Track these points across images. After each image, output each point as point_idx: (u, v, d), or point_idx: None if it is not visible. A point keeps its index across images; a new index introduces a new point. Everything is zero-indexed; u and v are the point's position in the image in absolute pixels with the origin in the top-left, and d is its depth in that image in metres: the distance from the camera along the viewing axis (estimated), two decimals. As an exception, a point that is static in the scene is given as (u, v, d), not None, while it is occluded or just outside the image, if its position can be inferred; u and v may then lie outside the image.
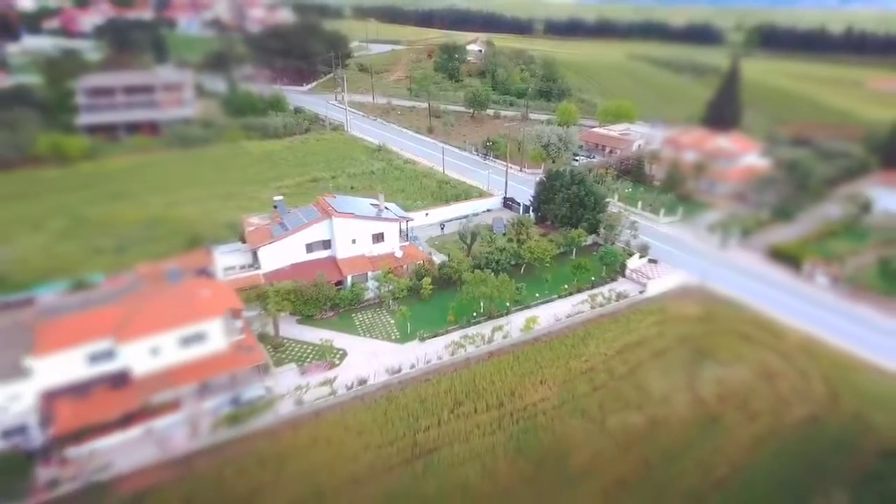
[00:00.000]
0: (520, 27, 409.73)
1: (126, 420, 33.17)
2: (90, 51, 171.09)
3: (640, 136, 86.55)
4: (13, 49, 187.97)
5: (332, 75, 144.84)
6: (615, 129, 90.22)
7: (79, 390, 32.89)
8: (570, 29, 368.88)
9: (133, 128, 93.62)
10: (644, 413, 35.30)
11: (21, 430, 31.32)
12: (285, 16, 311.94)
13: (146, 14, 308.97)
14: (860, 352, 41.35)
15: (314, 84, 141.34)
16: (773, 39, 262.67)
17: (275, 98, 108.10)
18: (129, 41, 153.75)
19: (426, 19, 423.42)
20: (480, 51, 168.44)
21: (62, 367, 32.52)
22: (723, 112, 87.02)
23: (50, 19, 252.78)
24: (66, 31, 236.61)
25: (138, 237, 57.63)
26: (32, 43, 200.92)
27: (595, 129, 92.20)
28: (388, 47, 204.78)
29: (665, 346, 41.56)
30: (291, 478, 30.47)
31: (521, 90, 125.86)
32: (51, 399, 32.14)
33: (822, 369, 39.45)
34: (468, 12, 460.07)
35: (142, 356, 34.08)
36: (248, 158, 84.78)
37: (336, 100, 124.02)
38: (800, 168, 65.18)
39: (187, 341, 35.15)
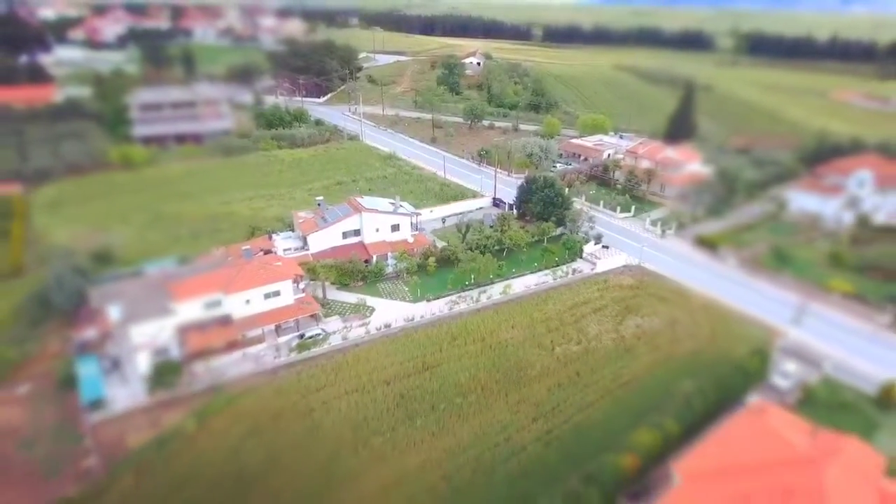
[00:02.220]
0: (519, 34, 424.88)
1: (230, 346, 49.44)
2: (122, 63, 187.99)
3: (610, 146, 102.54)
4: (47, 60, 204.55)
5: (344, 87, 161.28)
6: (590, 140, 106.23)
7: (199, 326, 49.12)
8: (568, 36, 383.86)
9: (181, 138, 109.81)
10: (581, 346, 51.44)
11: (167, 349, 47.47)
12: (297, 25, 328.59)
13: (162, 24, 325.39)
14: (745, 309, 57.41)
15: (329, 96, 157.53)
16: (761, 46, 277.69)
17: (299, 111, 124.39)
18: (162, 55, 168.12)
19: (428, 26, 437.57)
20: (479, 64, 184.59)
21: (189, 311, 48.74)
22: (679, 126, 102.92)
23: (74, 29, 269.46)
24: (91, 42, 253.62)
25: (206, 228, 73.84)
26: (66, 54, 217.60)
27: (573, 140, 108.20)
28: (393, 58, 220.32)
29: (603, 305, 57.70)
30: (342, 381, 46.58)
31: (513, 103, 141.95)
32: (183, 331, 48.37)
33: (710, 320, 55.63)
34: (469, 19, 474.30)
35: (239, 305, 50.36)
36: (280, 165, 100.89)
37: (350, 111, 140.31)
38: (729, 175, 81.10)
39: (268, 296, 51.45)
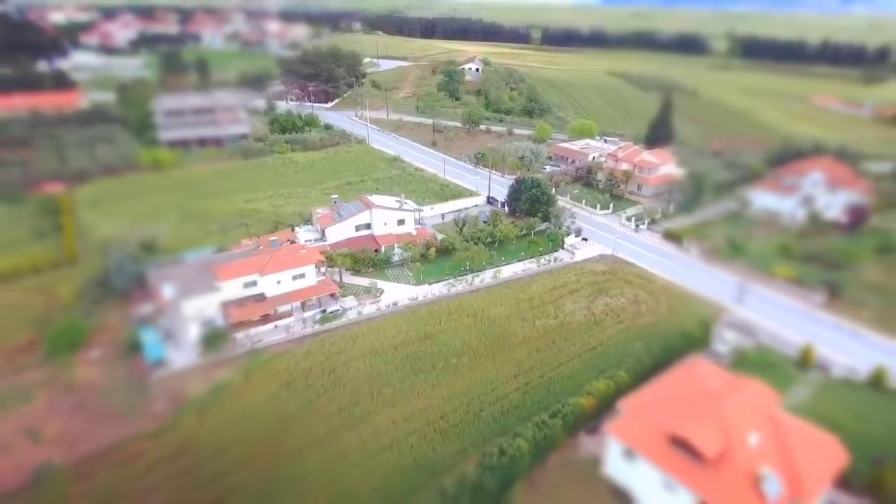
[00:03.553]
0: (518, 37, 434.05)
1: (264, 319, 59.31)
2: (138, 68, 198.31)
3: (595, 149, 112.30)
4: (65, 65, 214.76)
5: (351, 93, 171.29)
6: (577, 144, 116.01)
7: (239, 302, 58.97)
8: (566, 39, 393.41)
9: (202, 142, 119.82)
10: (557, 320, 61.27)
11: (213, 320, 57.27)
12: (302, 30, 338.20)
13: (171, 28, 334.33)
14: (699, 291, 67.24)
15: (336, 101, 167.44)
16: (755, 49, 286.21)
17: (310, 117, 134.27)
18: (178, 62, 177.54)
19: (429, 29, 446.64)
20: (477, 70, 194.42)
21: (230, 289, 58.58)
22: (659, 131, 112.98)
23: (86, 33, 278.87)
24: (105, 47, 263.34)
25: (233, 223, 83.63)
26: (83, 59, 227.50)
27: (562, 144, 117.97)
28: (396, 64, 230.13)
29: (578, 287, 67.55)
30: (358, 346, 56.41)
31: (509, 108, 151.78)
32: (225, 306, 58.20)
33: (669, 299, 65.45)
34: (469, 22, 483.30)
35: (271, 285, 60.22)
36: (295, 167, 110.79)
37: (357, 116, 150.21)
38: (698, 176, 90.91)
39: (295, 278, 61.30)
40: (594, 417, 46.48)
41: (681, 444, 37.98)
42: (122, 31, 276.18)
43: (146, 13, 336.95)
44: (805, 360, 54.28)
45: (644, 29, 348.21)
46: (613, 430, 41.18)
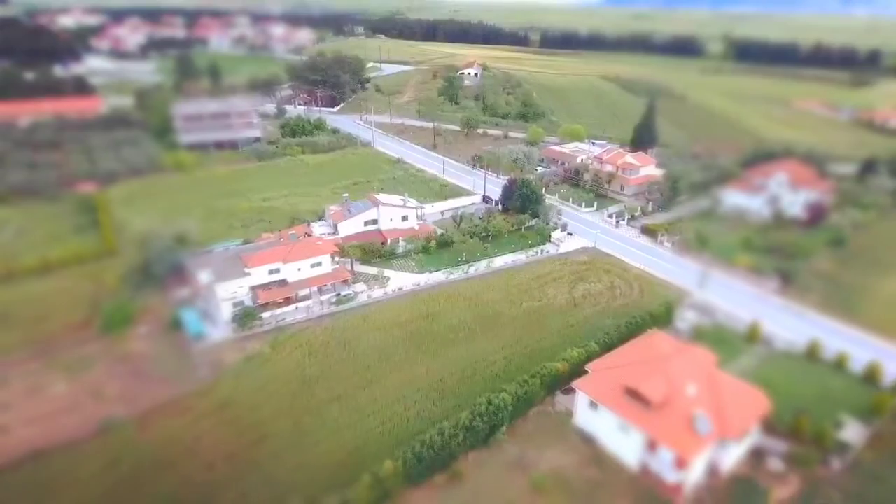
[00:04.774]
0: (517, 40, 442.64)
1: (287, 301, 68.35)
2: (151, 73, 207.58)
3: (584, 152, 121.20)
4: (80, 70, 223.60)
5: (355, 98, 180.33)
6: (567, 147, 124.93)
7: (265, 286, 67.99)
8: (564, 42, 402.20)
9: (219, 145, 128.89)
10: (541, 303, 70.30)
11: (243, 301, 66.26)
12: (306, 35, 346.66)
13: (177, 32, 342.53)
14: (669, 278, 76.21)
15: (342, 106, 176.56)
16: (748, 52, 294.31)
17: (318, 121, 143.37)
18: (191, 68, 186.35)
19: (430, 32, 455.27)
20: (476, 75, 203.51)
21: (257, 275, 67.59)
22: (643, 134, 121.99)
23: (96, 37, 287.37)
24: (115, 51, 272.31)
25: (253, 219, 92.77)
26: (97, 64, 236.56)
27: (553, 147, 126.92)
28: (398, 68, 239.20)
29: (561, 275, 76.59)
30: (369, 323, 65.43)
31: (505, 113, 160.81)
32: (253, 289, 67.22)
33: (641, 285, 74.45)
34: (469, 25, 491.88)
35: (292, 272, 69.25)
36: (306, 168, 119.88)
37: (362, 120, 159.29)
38: (675, 177, 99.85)
39: (313, 266, 70.33)
40: (568, 380, 55.39)
41: (633, 395, 47.03)
42: (132, 36, 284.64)
43: (152, 17, 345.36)
44: (752, 336, 63.24)
45: (641, 32, 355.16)
46: (581, 386, 50.23)
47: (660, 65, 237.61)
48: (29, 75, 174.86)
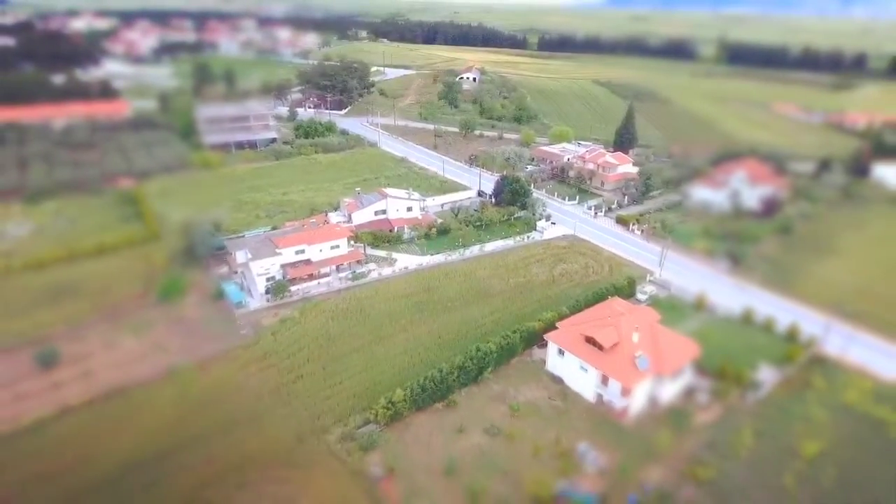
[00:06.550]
0: (516, 43, 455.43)
1: (311, 277, 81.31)
2: (168, 77, 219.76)
3: (570, 152, 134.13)
4: (98, 73, 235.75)
5: (361, 101, 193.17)
6: (556, 148, 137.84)
7: (293, 264, 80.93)
8: (561, 45, 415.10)
9: (240, 145, 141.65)
10: (525, 279, 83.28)
11: (275, 277, 79.17)
12: (312, 39, 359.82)
13: (187, 36, 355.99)
14: (635, 260, 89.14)
15: (349, 109, 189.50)
16: (739, 56, 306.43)
17: (329, 123, 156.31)
18: (208, 72, 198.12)
19: (431, 35, 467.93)
20: (474, 80, 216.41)
21: (286, 255, 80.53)
22: (624, 136, 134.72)
23: (109, 41, 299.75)
24: (129, 55, 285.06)
25: (276, 210, 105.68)
26: (114, 68, 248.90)
27: (543, 147, 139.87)
28: (401, 72, 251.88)
29: (543, 257, 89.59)
30: (379, 295, 78.38)
31: (500, 115, 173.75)
32: (284, 266, 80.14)
33: (612, 265, 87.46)
34: (469, 27, 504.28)
35: (315, 252, 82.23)
36: (319, 166, 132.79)
37: (368, 122, 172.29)
38: (647, 174, 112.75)
39: (332, 248, 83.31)
40: (542, 337, 68.32)
41: (591, 342, 60.01)
42: (144, 39, 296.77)
43: (161, 20, 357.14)
44: (699, 304, 76.22)
45: (637, 35, 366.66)
46: (551, 337, 63.22)
47: (652, 68, 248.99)
48: (55, 79, 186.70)
